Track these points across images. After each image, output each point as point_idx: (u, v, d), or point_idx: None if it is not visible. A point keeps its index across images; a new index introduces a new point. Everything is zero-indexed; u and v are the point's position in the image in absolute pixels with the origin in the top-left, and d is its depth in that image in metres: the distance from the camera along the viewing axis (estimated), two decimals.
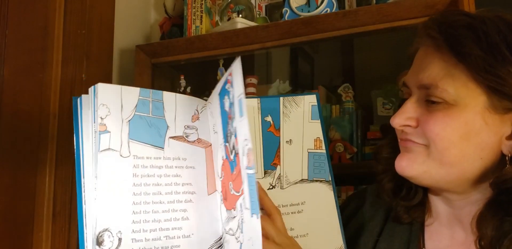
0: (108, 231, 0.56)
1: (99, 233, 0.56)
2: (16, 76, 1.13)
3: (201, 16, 1.37)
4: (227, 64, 1.39)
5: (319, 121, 0.76)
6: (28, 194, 1.09)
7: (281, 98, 0.75)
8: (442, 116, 0.60)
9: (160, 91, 0.65)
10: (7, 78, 1.12)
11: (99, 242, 0.55)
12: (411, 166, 0.63)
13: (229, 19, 1.30)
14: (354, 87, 1.41)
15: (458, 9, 0.76)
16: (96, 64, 1.19)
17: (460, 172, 0.61)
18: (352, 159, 1.29)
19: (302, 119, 0.75)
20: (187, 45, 1.29)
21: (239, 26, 1.25)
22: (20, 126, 1.11)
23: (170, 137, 0.64)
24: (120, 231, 0.57)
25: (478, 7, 0.99)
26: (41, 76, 1.13)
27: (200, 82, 1.52)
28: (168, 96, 0.66)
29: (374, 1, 1.16)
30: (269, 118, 0.73)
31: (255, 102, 0.73)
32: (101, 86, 0.59)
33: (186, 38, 1.33)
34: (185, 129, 0.66)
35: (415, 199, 0.70)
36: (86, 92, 0.62)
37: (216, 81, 1.42)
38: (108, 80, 1.23)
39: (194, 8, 1.38)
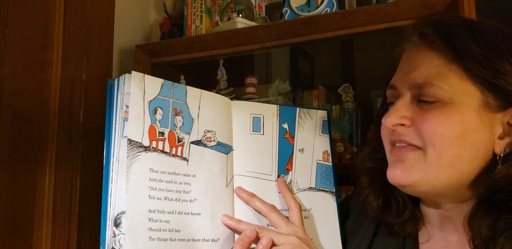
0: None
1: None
2: (16, 76, 1.13)
3: (201, 16, 1.37)
4: (227, 64, 1.39)
5: (328, 136, 0.81)
6: (28, 194, 1.09)
7: (298, 109, 0.80)
8: (440, 114, 0.59)
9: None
10: (7, 78, 1.11)
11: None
12: (407, 174, 0.61)
13: (229, 19, 1.30)
14: (354, 87, 1.41)
15: (450, 13, 0.76)
16: (96, 64, 1.19)
17: (458, 173, 0.60)
18: (352, 159, 1.29)
19: (314, 132, 0.80)
20: (187, 45, 1.29)
21: (239, 26, 1.25)
22: (20, 126, 1.11)
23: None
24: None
25: (478, 7, 0.99)
26: (41, 76, 1.13)
27: (200, 82, 1.52)
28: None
29: (374, 1, 1.16)
30: (286, 126, 0.78)
31: (274, 108, 0.78)
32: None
33: (186, 38, 1.33)
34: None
35: (406, 213, 0.68)
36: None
37: (216, 81, 1.42)
38: None
39: (194, 8, 1.38)
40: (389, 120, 0.62)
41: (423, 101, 0.60)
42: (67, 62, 1.15)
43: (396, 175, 0.62)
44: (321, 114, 0.82)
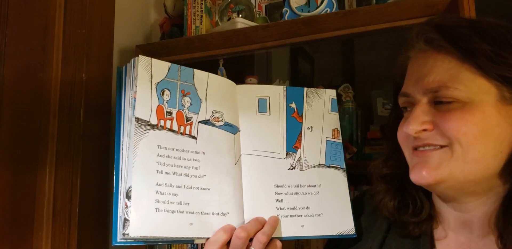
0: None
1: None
2: (16, 76, 1.13)
3: (201, 16, 1.37)
4: (227, 64, 1.39)
5: (337, 113, 0.83)
6: (28, 194, 1.09)
7: (305, 88, 0.82)
8: (461, 113, 0.59)
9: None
10: (7, 78, 1.11)
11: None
12: (433, 173, 0.61)
13: (229, 19, 1.30)
14: (354, 87, 1.41)
15: (449, 14, 0.76)
16: (96, 64, 1.19)
17: (485, 168, 0.60)
18: (352, 159, 1.29)
19: (322, 110, 0.82)
20: (187, 45, 1.29)
21: (239, 26, 1.25)
22: (20, 126, 1.11)
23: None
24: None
25: (478, 7, 0.99)
26: (41, 76, 1.13)
27: None
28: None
29: (374, 1, 1.16)
30: (293, 105, 0.80)
31: (281, 89, 0.80)
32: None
33: (186, 38, 1.33)
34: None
35: (423, 213, 0.68)
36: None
37: None
38: (108, 80, 1.23)
39: (194, 8, 1.38)
40: (412, 128, 0.62)
41: (440, 103, 0.61)
42: (67, 62, 1.15)
43: (422, 176, 0.62)
44: (330, 93, 0.83)
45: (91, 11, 1.19)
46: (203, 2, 1.38)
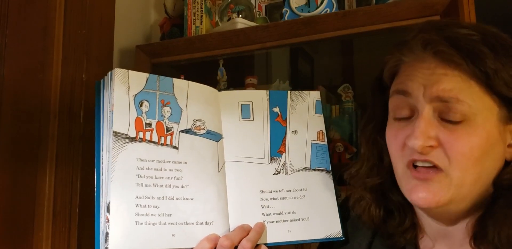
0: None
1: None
2: (16, 76, 1.13)
3: (201, 16, 1.37)
4: (227, 64, 1.39)
5: (322, 115, 0.82)
6: (28, 194, 1.09)
7: (289, 92, 0.81)
8: (467, 135, 0.58)
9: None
10: (7, 78, 1.11)
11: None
12: (436, 198, 0.59)
13: (229, 19, 1.30)
14: (354, 87, 1.41)
15: (452, 19, 0.74)
16: (96, 64, 1.19)
17: (480, 186, 0.60)
18: (352, 159, 1.29)
19: (307, 113, 0.81)
20: (187, 45, 1.30)
21: (239, 26, 1.25)
22: (20, 126, 1.11)
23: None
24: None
25: (478, 7, 0.99)
26: (41, 76, 1.13)
27: (200, 82, 1.52)
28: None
29: (374, 2, 1.16)
30: (277, 109, 0.79)
31: (264, 94, 0.79)
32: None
33: (186, 38, 1.34)
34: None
35: (407, 222, 0.68)
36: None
37: (216, 82, 1.42)
38: None
39: (194, 8, 1.38)
40: (420, 145, 0.58)
41: (445, 119, 0.59)
42: (68, 63, 1.15)
43: (424, 198, 0.60)
44: (314, 95, 0.82)
45: (91, 11, 1.19)
46: (203, 2, 1.38)
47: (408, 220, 0.68)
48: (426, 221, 0.68)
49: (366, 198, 0.69)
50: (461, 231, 0.64)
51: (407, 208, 0.69)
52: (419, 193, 0.60)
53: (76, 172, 1.10)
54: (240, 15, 1.30)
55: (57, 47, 1.15)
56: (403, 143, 0.62)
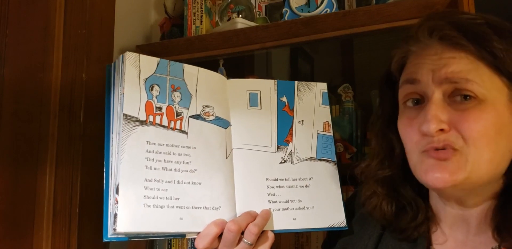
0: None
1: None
2: (16, 76, 1.13)
3: (201, 16, 1.37)
4: (227, 65, 1.39)
5: (328, 107, 0.83)
6: (28, 194, 1.09)
7: (296, 82, 0.82)
8: (478, 113, 0.58)
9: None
10: (8, 78, 1.11)
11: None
12: (452, 177, 0.59)
13: (229, 19, 1.30)
14: (354, 87, 1.41)
15: (455, 10, 0.74)
16: (97, 64, 1.19)
17: (495, 167, 0.60)
18: (352, 159, 1.29)
19: (313, 103, 0.82)
20: (187, 45, 1.30)
21: (239, 26, 1.25)
22: (20, 126, 1.11)
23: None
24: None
25: (478, 7, 0.99)
26: (41, 76, 1.13)
27: None
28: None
29: (374, 2, 1.16)
30: (284, 99, 0.80)
31: (272, 83, 0.80)
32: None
33: (186, 38, 1.34)
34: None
35: (420, 216, 0.67)
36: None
37: None
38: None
39: (194, 8, 1.38)
40: (433, 127, 0.58)
41: (459, 98, 0.59)
42: (68, 62, 1.15)
43: (440, 177, 0.59)
44: (321, 86, 0.83)
45: (91, 11, 1.19)
46: (203, 2, 1.38)
47: (421, 215, 0.67)
48: (442, 208, 0.68)
49: (377, 192, 0.69)
50: (477, 218, 0.64)
51: (420, 202, 0.69)
52: (435, 173, 0.59)
53: (76, 172, 1.11)
54: (240, 15, 1.30)
55: (57, 47, 1.16)
56: (417, 131, 0.61)
